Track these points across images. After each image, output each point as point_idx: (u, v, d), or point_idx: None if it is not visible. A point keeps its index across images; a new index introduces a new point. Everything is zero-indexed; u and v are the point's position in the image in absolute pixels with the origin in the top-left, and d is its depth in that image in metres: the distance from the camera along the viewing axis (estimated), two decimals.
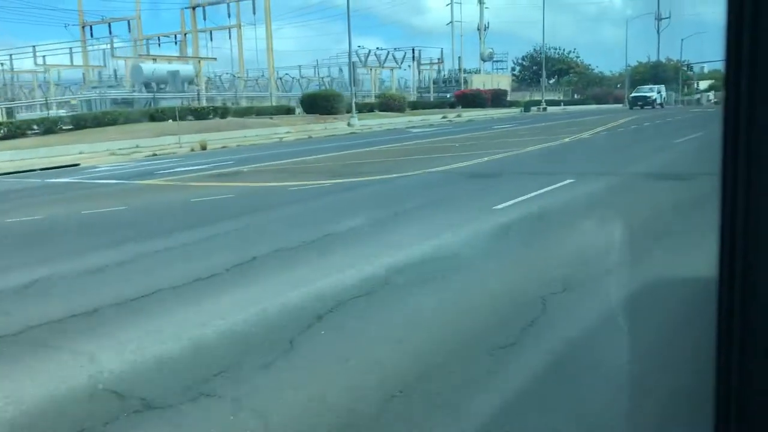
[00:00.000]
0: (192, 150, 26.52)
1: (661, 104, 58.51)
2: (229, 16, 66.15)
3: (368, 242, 7.85)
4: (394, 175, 14.12)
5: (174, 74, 42.51)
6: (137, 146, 27.50)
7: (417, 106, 54.60)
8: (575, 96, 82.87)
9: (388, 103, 45.50)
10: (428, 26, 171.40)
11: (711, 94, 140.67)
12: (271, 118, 36.80)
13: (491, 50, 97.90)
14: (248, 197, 12.53)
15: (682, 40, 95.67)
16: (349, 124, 38.28)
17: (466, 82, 74.97)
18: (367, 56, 72.77)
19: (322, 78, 74.57)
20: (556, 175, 12.55)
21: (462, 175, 13.50)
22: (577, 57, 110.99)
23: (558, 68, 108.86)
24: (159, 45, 69.48)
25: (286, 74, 70.53)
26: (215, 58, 55.42)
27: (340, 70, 75.35)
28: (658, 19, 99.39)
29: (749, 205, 0.96)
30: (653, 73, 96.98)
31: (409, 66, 78.30)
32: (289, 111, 42.80)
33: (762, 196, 0.95)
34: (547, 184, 11.49)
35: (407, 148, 21.76)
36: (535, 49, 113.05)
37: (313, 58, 73.91)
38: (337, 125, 37.76)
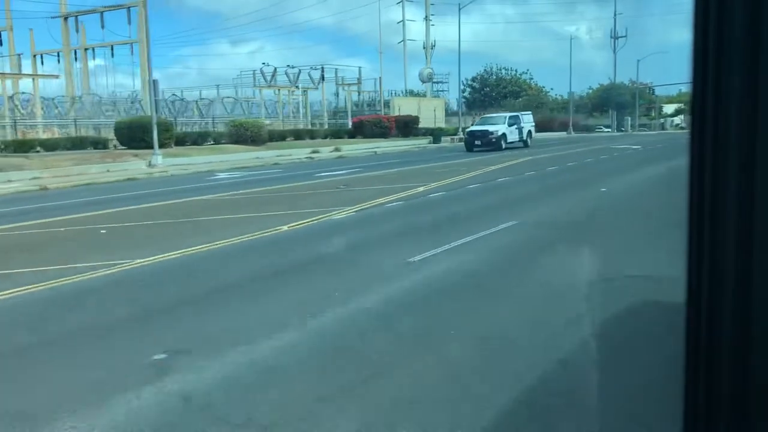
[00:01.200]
0: None
1: (523, 141, 37.60)
2: (102, 27, 56.51)
3: None
4: None
5: None
6: None
7: (302, 135, 44.61)
8: None
9: (239, 134, 35.43)
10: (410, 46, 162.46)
11: (679, 118, 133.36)
12: (27, 156, 26.57)
13: (431, 70, 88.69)
14: None
15: (638, 60, 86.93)
16: (149, 164, 28.13)
17: (387, 105, 65.26)
18: (273, 75, 62.90)
19: (222, 99, 64.64)
20: None
21: None
22: (531, 78, 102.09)
23: (510, 90, 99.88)
24: (59, 61, 59.35)
25: (174, 95, 60.38)
26: (57, 76, 45.19)
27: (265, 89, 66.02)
28: (614, 37, 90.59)
29: (716, 232, 0.97)
30: (605, 96, 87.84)
31: (339, 86, 68.59)
32: (97, 144, 32.57)
33: (729, 221, 0.96)
34: None
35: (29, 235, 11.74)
36: (485, 70, 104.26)
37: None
38: (129, 167, 27.51)
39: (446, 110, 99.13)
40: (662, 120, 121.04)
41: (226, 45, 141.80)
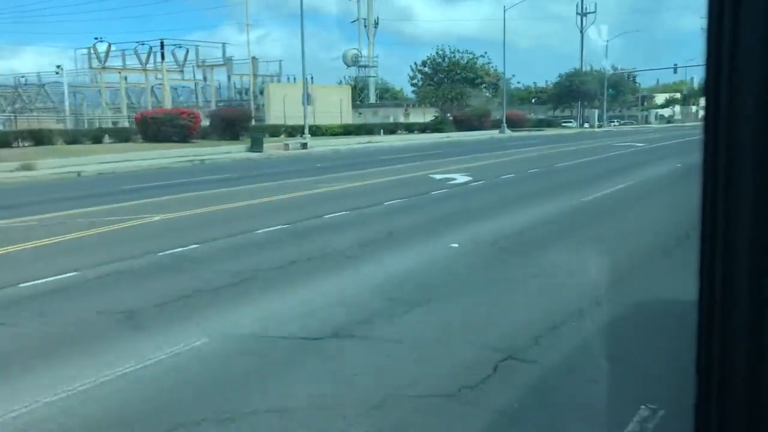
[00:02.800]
0: None
1: None
2: None
3: None
4: None
5: None
6: None
7: (46, 139, 29.92)
8: (447, 116, 57.84)
9: None
10: (418, 32, 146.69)
11: (672, 109, 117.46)
12: None
13: (356, 52, 73.51)
14: None
15: (606, 41, 70.79)
16: None
17: (261, 94, 50.18)
18: (108, 53, 48.05)
19: (44, 86, 49.87)
20: None
21: None
22: (489, 62, 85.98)
23: (463, 77, 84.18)
24: None
25: None
26: None
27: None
28: (582, 14, 74.51)
29: (729, 227, 0.95)
30: (567, 85, 71.92)
31: (201, 68, 53.38)
32: None
33: (741, 213, 0.94)
34: None
35: None
36: (438, 53, 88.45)
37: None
38: None
39: (401, 100, 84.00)
40: (645, 112, 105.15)
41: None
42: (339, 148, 34.10)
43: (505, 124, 52.90)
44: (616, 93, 74.54)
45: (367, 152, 32.38)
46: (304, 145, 33.35)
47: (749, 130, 0.91)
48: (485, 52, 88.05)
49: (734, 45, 0.90)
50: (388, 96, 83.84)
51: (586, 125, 71.54)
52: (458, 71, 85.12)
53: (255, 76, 49.59)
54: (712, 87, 0.93)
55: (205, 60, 51.17)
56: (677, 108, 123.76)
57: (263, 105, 47.97)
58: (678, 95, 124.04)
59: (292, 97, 46.46)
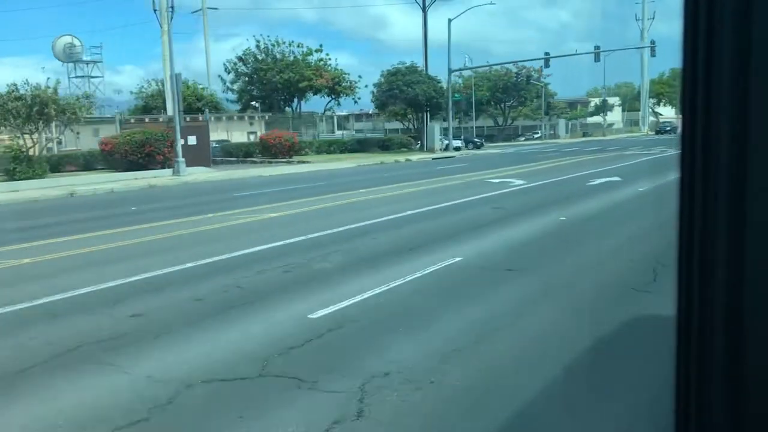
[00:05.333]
0: None
1: None
2: None
3: None
4: None
5: None
6: None
7: None
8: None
9: None
10: (396, 39, 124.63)
11: (617, 116, 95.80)
12: None
13: (71, 40, 48.42)
14: None
15: (449, 20, 46.04)
16: None
17: None
18: None
19: None
20: None
21: None
22: (329, 59, 60.52)
23: (286, 78, 59.15)
24: None
25: None
26: None
27: None
28: None
29: (706, 235, 0.95)
30: (386, 89, 46.80)
31: None
32: None
33: (719, 223, 0.94)
34: None
35: None
36: (258, 45, 63.11)
37: None
38: None
39: (221, 112, 58.79)
40: (552, 122, 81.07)
41: None
42: None
43: (182, 159, 28.10)
44: (462, 99, 49.75)
45: None
46: None
47: (725, 142, 0.88)
48: (320, 45, 62.54)
49: (709, 48, 0.87)
50: (201, 105, 57.50)
51: (424, 146, 47.00)
52: (280, 69, 60.03)
53: None
54: (688, 94, 0.91)
55: None
56: (618, 114, 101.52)
57: None
58: (618, 100, 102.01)
59: None
